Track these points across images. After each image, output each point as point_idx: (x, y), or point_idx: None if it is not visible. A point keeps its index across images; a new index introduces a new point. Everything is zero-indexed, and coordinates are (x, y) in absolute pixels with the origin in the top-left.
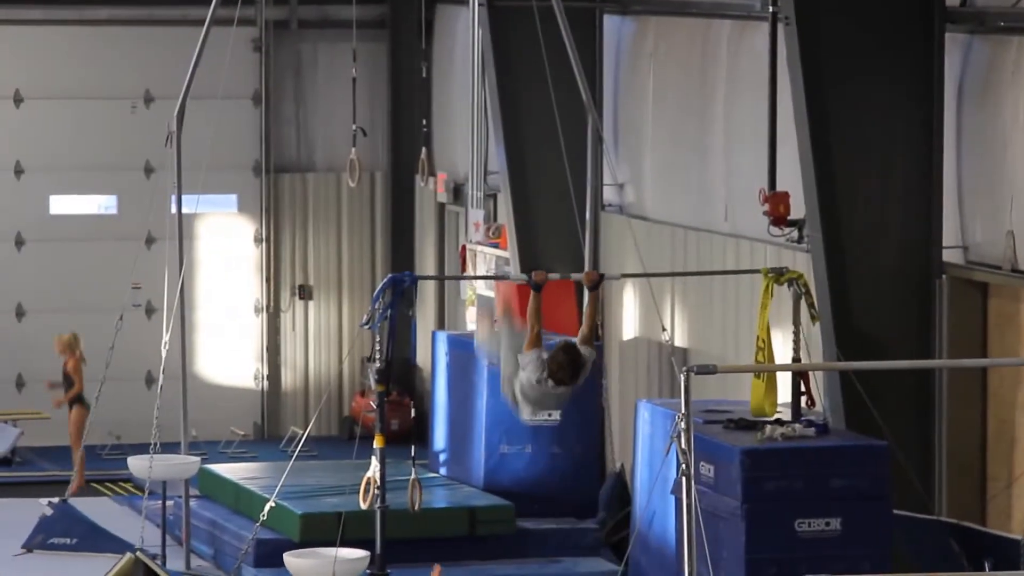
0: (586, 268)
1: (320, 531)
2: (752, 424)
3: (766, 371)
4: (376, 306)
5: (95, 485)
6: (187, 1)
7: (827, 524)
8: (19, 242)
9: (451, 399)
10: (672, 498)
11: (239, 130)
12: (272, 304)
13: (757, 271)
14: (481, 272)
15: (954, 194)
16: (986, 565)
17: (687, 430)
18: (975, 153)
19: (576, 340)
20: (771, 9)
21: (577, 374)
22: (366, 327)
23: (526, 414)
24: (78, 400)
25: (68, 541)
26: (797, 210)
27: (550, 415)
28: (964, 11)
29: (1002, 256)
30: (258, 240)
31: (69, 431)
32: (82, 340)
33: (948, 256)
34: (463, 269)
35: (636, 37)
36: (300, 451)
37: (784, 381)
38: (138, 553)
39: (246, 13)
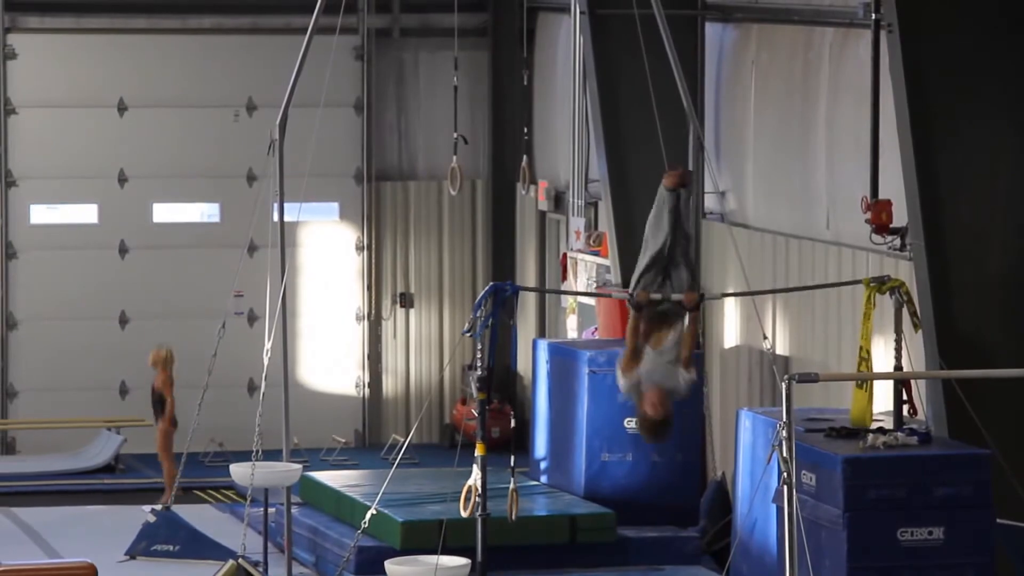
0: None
1: (421, 539)
2: (854, 432)
3: (868, 379)
4: (478, 314)
5: (197, 492)
6: (290, 10)
7: (930, 533)
8: (123, 250)
9: (551, 407)
10: (773, 507)
11: (341, 138)
12: (373, 312)
13: (858, 282)
14: (582, 279)
15: None
16: None
17: (789, 438)
18: None
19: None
20: (874, 16)
21: (660, 436)
22: (467, 335)
23: None
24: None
25: (171, 548)
26: (899, 218)
27: None
28: None
29: None
30: (359, 248)
31: (157, 445)
32: (176, 358)
33: None
34: (564, 277)
35: (738, 44)
36: (401, 459)
37: (886, 390)
38: (240, 560)
39: (348, 22)
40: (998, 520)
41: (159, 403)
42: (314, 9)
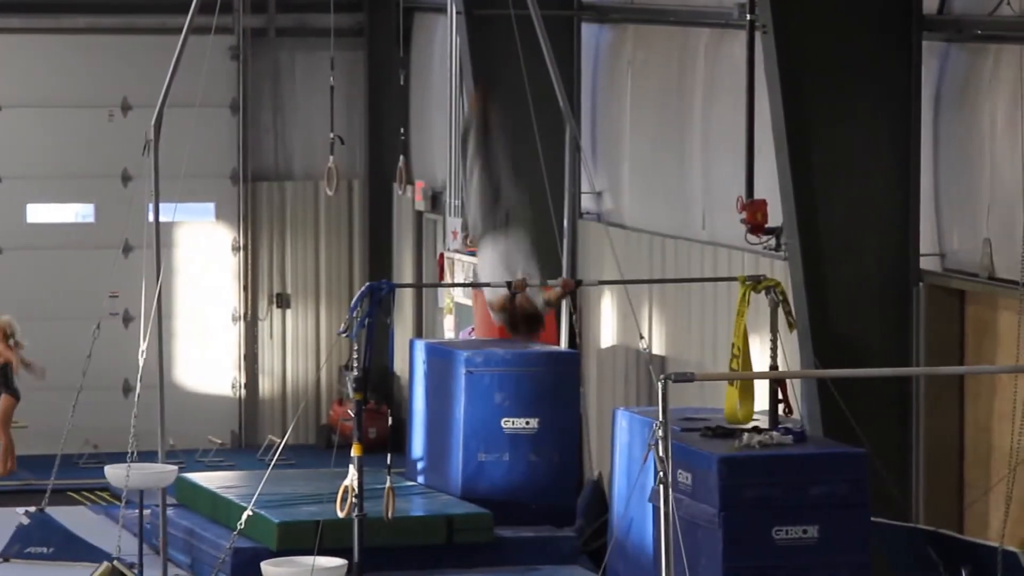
0: (563, 275)
1: (298, 540)
2: (730, 432)
3: (743, 379)
4: (354, 314)
5: (72, 494)
6: (165, 9)
7: (804, 532)
8: None
9: (428, 407)
10: (650, 506)
11: (217, 138)
12: (250, 312)
13: (734, 279)
14: (459, 279)
15: (931, 202)
16: (963, 572)
17: (665, 438)
18: (952, 161)
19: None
20: (748, 17)
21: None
22: (344, 335)
23: None
24: (7, 389)
25: (45, 550)
26: (775, 218)
27: (528, 423)
28: (941, 19)
29: (979, 264)
30: (235, 248)
31: None
32: (17, 326)
33: (925, 264)
34: (441, 277)
35: (614, 45)
36: (277, 460)
37: (761, 389)
38: (115, 562)
39: (224, 21)
40: (872, 518)
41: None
42: (189, 8)
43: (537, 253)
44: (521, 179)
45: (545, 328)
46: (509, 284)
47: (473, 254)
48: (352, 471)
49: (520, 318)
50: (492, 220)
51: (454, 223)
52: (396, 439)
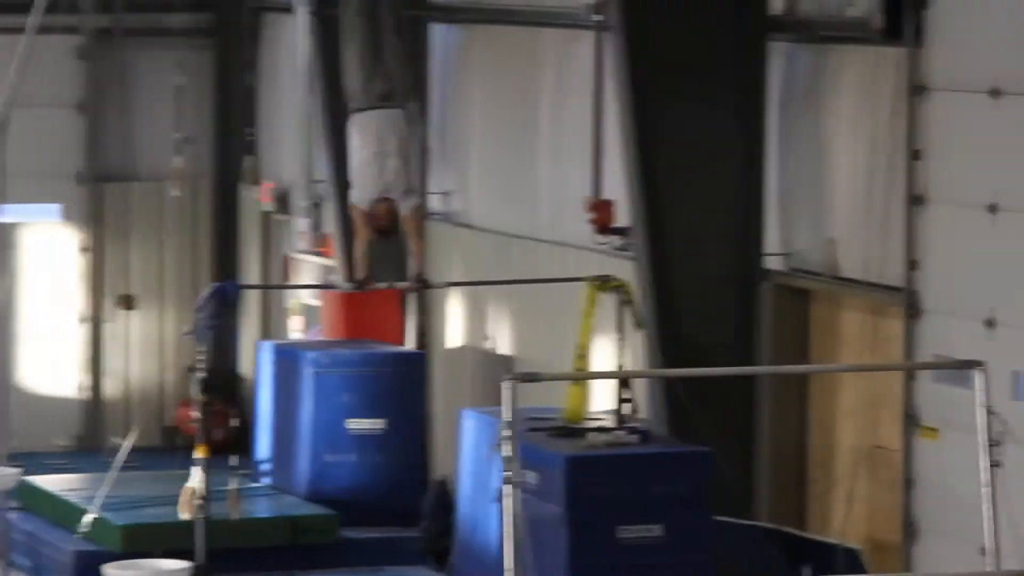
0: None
1: (142, 542)
2: (576, 431)
3: (588, 378)
4: (199, 315)
5: None
6: (10, 9)
7: (649, 531)
8: None
9: (275, 409)
10: (495, 506)
11: (63, 139)
12: (95, 314)
13: (582, 279)
14: (306, 280)
15: (777, 201)
16: (805, 570)
17: (510, 438)
18: (797, 161)
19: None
20: (597, 18)
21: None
22: (189, 336)
23: None
24: None
25: None
26: (622, 218)
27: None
28: (787, 20)
29: (823, 263)
30: (82, 249)
31: None
32: None
33: (771, 263)
34: (286, 278)
35: (463, 45)
36: (122, 462)
37: (608, 389)
38: None
39: (70, 21)
40: (716, 517)
41: None
42: (35, 9)
43: (383, 254)
44: (405, 53)
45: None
46: (355, 285)
47: (321, 255)
48: (196, 473)
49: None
50: (370, 90)
51: (302, 223)
52: (242, 441)
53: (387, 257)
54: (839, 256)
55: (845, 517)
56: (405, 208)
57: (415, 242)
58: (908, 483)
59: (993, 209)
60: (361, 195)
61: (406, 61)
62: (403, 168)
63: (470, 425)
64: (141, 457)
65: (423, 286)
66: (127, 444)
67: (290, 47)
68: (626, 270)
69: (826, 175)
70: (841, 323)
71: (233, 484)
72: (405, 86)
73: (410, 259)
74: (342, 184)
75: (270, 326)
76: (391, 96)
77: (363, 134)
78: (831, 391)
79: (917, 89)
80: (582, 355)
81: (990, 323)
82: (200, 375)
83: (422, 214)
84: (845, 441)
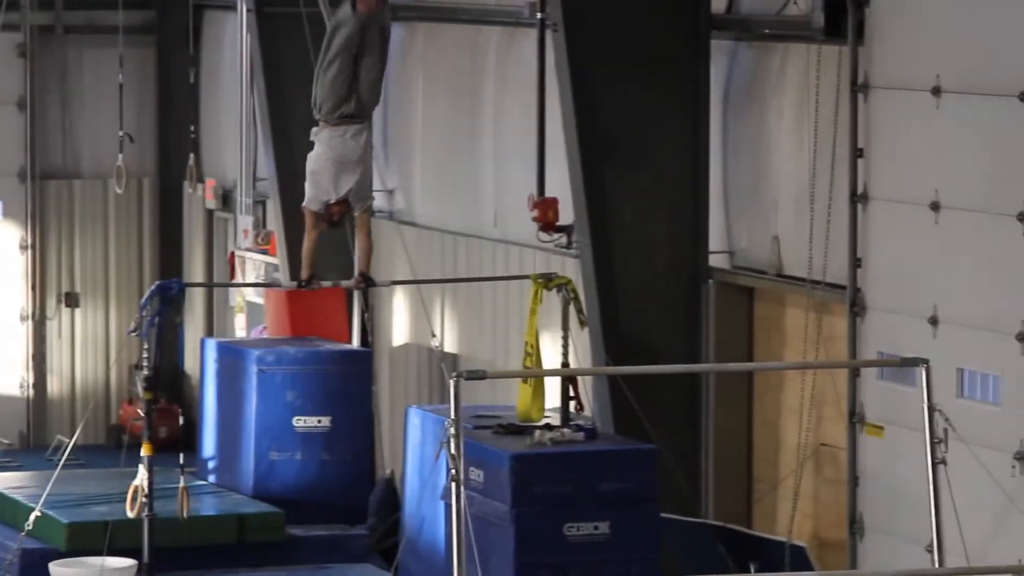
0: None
1: (87, 540)
2: (522, 429)
3: (535, 376)
4: (144, 313)
5: None
6: None
7: (596, 528)
8: None
9: (220, 406)
10: (442, 504)
11: (4, 136)
12: (38, 312)
13: (526, 277)
14: (250, 278)
15: (721, 199)
16: (752, 567)
17: (457, 435)
18: (741, 159)
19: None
20: (539, 16)
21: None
22: (134, 334)
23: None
24: None
25: None
26: (566, 216)
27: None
28: (729, 18)
29: (767, 261)
30: (23, 247)
31: None
32: None
33: (715, 261)
34: (232, 276)
35: (405, 43)
36: (67, 460)
37: (553, 386)
38: None
39: (11, 18)
40: (663, 514)
41: None
42: None
43: (328, 252)
44: (380, 86)
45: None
46: (300, 284)
47: (265, 252)
48: (142, 471)
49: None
50: (343, 108)
51: (245, 221)
52: (187, 438)
53: (332, 254)
54: (783, 254)
55: (791, 515)
56: (358, 209)
57: (362, 242)
58: (854, 480)
59: (936, 207)
60: (315, 198)
61: (381, 76)
62: (363, 177)
63: (416, 423)
64: (86, 455)
65: (368, 284)
66: (71, 441)
67: (232, 45)
68: (570, 268)
69: (769, 173)
70: (785, 321)
71: (180, 482)
72: (375, 100)
73: (356, 256)
74: (285, 182)
75: (215, 324)
76: (362, 112)
77: (329, 145)
78: (776, 389)
79: (859, 87)
80: (530, 353)
81: (934, 320)
82: (145, 373)
83: (371, 214)
84: (790, 439)
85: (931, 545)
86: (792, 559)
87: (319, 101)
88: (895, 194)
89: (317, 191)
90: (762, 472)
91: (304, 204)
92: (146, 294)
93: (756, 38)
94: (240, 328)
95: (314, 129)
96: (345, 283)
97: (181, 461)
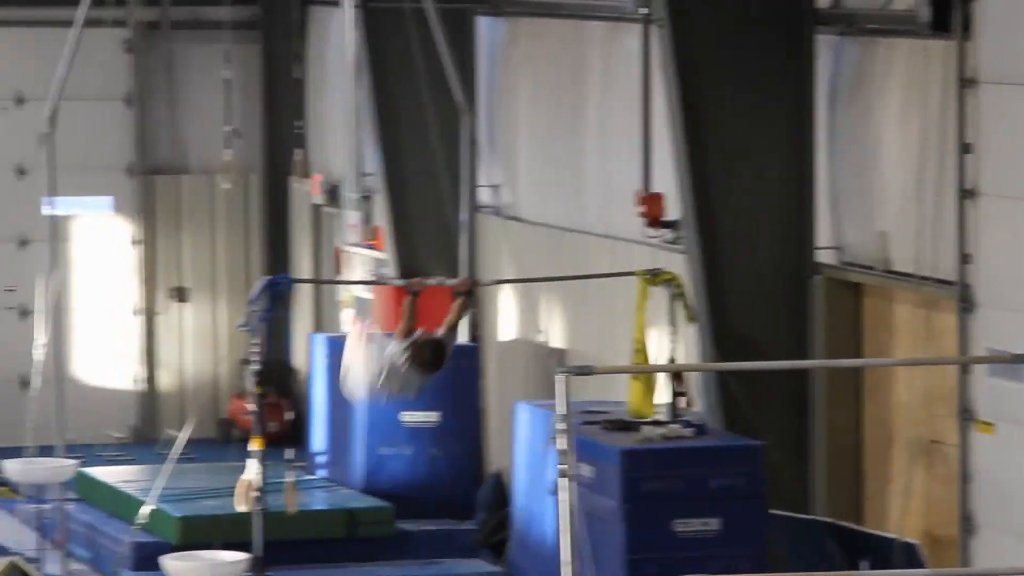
0: (461, 270)
1: (198, 534)
2: (630, 425)
3: (643, 372)
4: (253, 308)
5: None
6: (58, 2)
7: (705, 524)
8: None
9: (329, 401)
10: (551, 499)
11: (112, 132)
12: (149, 306)
13: (632, 274)
14: (357, 273)
15: (828, 194)
16: (862, 564)
17: (565, 431)
18: (847, 153)
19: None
20: (643, 11)
21: (439, 361)
22: (243, 329)
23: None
24: None
25: None
26: (672, 211)
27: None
28: (834, 13)
29: (875, 256)
30: (134, 242)
31: None
32: None
33: (822, 257)
34: (338, 271)
35: (509, 38)
36: (178, 454)
37: (662, 382)
38: (15, 558)
39: (117, 14)
40: (772, 511)
41: None
42: (82, 1)
43: (436, 250)
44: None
45: (449, 355)
46: (408, 281)
47: (372, 247)
48: (252, 465)
49: (427, 354)
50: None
51: (352, 216)
52: (297, 433)
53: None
54: (890, 249)
55: (902, 512)
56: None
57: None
58: (965, 477)
59: None
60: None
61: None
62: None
63: (524, 418)
64: (197, 449)
65: (473, 285)
66: (183, 436)
67: (337, 40)
68: (677, 263)
69: (876, 168)
70: (894, 317)
71: (290, 477)
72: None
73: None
74: (392, 177)
75: (322, 319)
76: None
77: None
78: (885, 385)
79: (966, 82)
80: (639, 349)
81: None
82: (254, 367)
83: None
84: (901, 435)
85: None
86: (904, 556)
87: None
88: (1004, 189)
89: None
90: (872, 469)
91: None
92: (255, 289)
93: (861, 33)
94: (348, 323)
95: None
96: (451, 282)
97: (289, 455)
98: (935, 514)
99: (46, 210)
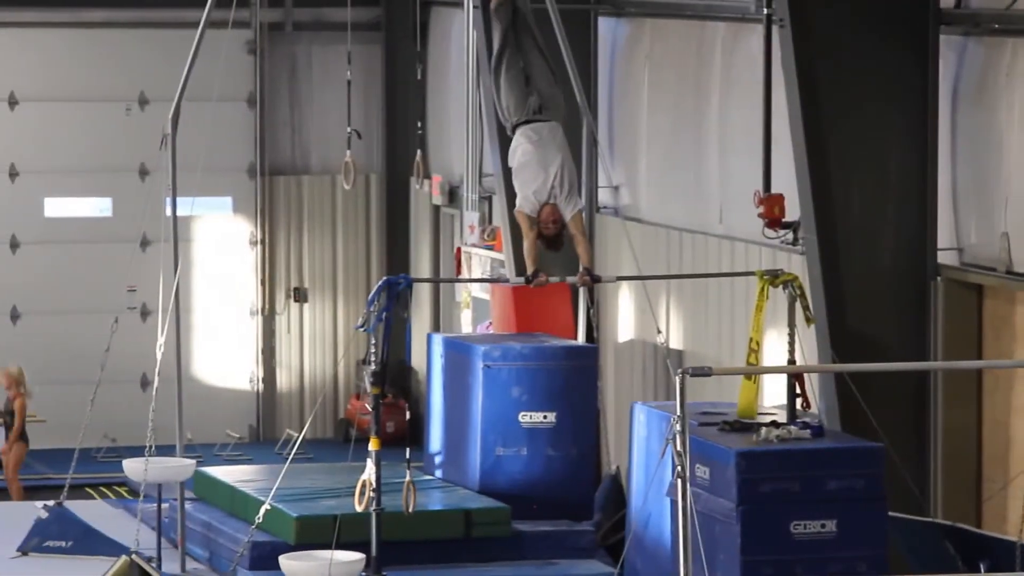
0: (580, 270)
1: (316, 534)
2: (748, 426)
3: (761, 373)
4: (371, 308)
5: (89, 489)
6: (182, 3)
7: (823, 526)
8: (14, 244)
9: (446, 401)
10: (668, 500)
11: (234, 132)
12: (267, 306)
13: (752, 273)
14: (476, 274)
15: (949, 196)
16: (981, 567)
17: (683, 432)
18: (970, 155)
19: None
20: (765, 11)
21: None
22: (361, 329)
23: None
24: (18, 437)
25: (63, 544)
26: (792, 212)
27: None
28: (958, 13)
29: (997, 258)
30: (253, 242)
31: (6, 469)
32: (27, 374)
33: (943, 258)
34: (458, 271)
35: (631, 39)
36: (295, 454)
37: (780, 384)
38: (133, 556)
39: (241, 15)
40: (890, 513)
41: (11, 423)
42: (206, 2)
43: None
44: (553, 74)
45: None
46: (527, 279)
47: (490, 248)
48: (370, 465)
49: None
50: (526, 106)
51: (471, 217)
52: (414, 433)
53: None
54: (1012, 251)
55: (1022, 514)
56: (568, 212)
57: (581, 242)
58: None
59: None
60: (524, 202)
61: (554, 82)
62: (564, 175)
63: (641, 419)
64: (314, 448)
65: (593, 280)
66: (300, 436)
67: (458, 41)
68: (796, 264)
69: (998, 169)
70: (1015, 318)
71: (407, 477)
72: (556, 104)
73: (580, 253)
74: (511, 178)
75: (441, 319)
76: (544, 110)
77: (524, 145)
78: (1006, 387)
79: None
80: (754, 350)
81: None
82: (372, 368)
83: (584, 217)
84: (1021, 437)
85: None
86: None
87: (504, 107)
88: None
89: (523, 195)
90: (992, 471)
91: (516, 208)
92: (373, 289)
93: (985, 33)
94: (466, 324)
95: (513, 136)
96: (571, 279)
97: (407, 455)
98: None
99: (167, 210)
